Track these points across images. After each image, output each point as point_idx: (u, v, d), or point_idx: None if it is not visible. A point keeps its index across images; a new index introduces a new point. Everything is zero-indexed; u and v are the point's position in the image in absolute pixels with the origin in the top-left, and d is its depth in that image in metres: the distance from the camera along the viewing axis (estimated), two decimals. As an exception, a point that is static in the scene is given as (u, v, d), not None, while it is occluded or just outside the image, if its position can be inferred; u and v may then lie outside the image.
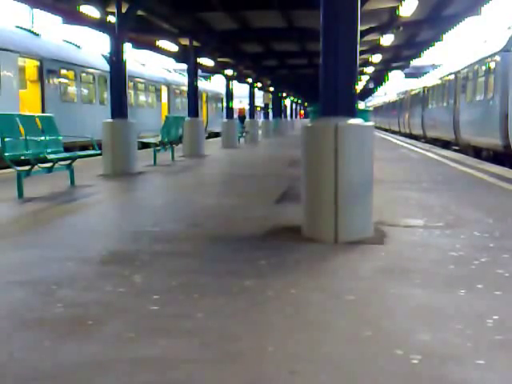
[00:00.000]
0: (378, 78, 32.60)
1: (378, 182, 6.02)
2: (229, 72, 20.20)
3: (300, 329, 2.46)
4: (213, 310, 2.70)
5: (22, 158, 6.84)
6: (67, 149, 9.17)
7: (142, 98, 21.54)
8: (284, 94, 35.68)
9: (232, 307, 2.74)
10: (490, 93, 13.72)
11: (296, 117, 55.31)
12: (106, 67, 15.05)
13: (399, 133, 32.33)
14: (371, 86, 37.20)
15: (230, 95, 20.40)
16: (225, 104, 21.78)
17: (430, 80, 23.89)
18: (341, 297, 2.87)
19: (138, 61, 22.78)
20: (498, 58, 13.28)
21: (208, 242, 4.23)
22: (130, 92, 19.47)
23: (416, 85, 28.27)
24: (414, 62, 25.56)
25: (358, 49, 4.27)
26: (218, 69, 20.59)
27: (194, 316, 2.61)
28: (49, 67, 14.48)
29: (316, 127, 4.31)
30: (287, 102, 43.83)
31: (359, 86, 33.47)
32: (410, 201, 6.11)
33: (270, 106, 32.97)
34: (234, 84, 21.66)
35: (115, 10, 9.55)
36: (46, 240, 4.35)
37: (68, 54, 16.25)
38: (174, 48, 15.25)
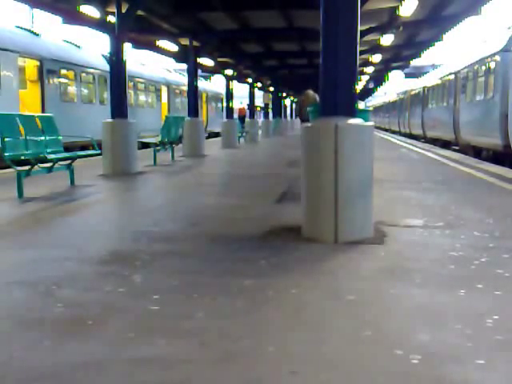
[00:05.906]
0: (378, 78, 32.60)
1: (378, 182, 6.02)
2: (229, 72, 20.19)
3: (300, 329, 2.46)
4: (213, 309, 2.70)
5: (22, 157, 6.84)
6: (67, 149, 9.17)
7: (142, 97, 21.53)
8: (284, 94, 35.68)
9: (232, 307, 2.74)
10: (490, 93, 13.72)
11: (296, 117, 55.26)
12: (106, 67, 15.02)
13: (399, 133, 32.34)
14: (371, 85, 37.21)
15: (229, 95, 20.40)
16: (225, 104, 21.78)
17: (430, 80, 23.88)
18: (341, 297, 2.87)
19: (138, 60, 22.77)
20: (497, 57, 13.28)
21: (208, 241, 4.23)
22: (130, 92, 19.46)
23: (416, 85, 28.26)
24: (414, 62, 25.55)
25: (358, 49, 4.26)
26: (218, 69, 20.58)
27: (194, 316, 2.61)
28: (49, 67, 14.47)
29: (316, 127, 4.30)
30: (287, 101, 43.81)
31: (359, 86, 33.46)
32: (410, 201, 6.11)
33: (270, 105, 32.96)
34: (234, 84, 21.65)
35: (115, 10, 9.56)
36: (45, 240, 4.35)
37: (68, 53, 16.24)
38: (174, 48, 15.25)
